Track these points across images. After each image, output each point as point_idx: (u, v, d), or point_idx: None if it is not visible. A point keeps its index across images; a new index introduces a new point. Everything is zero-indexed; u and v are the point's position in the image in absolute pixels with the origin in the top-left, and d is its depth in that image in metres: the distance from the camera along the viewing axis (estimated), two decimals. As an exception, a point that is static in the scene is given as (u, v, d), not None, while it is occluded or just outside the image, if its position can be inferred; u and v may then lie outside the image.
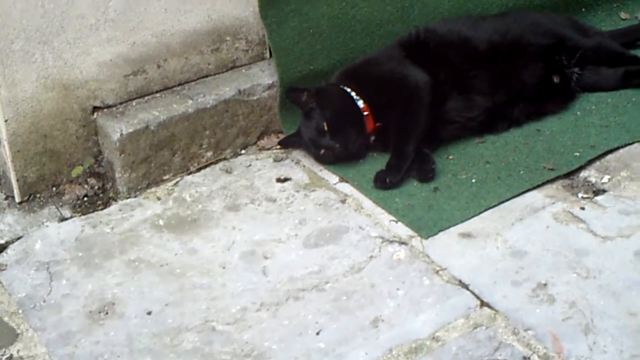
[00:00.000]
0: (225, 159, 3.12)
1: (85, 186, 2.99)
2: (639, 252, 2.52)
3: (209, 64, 3.17)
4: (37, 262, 2.68)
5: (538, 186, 2.82)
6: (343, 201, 2.86)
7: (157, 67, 3.06)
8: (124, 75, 3.01)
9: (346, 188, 2.93)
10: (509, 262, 2.53)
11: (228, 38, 3.17)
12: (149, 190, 2.98)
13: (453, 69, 3.09)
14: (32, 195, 2.96)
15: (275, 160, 3.09)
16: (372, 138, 3.04)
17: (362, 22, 3.28)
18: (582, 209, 2.71)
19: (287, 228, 2.75)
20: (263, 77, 3.18)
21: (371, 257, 2.61)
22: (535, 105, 3.13)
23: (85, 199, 2.97)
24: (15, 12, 2.74)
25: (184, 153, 3.05)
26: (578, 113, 3.15)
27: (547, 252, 2.55)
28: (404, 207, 2.79)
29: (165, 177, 3.03)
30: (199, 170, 3.07)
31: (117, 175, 2.96)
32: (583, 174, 2.87)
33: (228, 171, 3.05)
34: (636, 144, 2.97)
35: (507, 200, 2.77)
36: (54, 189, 2.99)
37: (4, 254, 2.73)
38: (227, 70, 3.21)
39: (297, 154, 3.11)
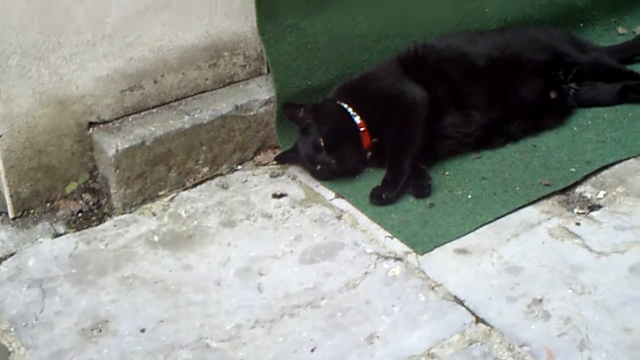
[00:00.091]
0: (221, 174, 3.11)
1: (80, 202, 2.98)
2: (634, 268, 2.51)
3: (206, 80, 3.17)
4: (30, 279, 2.66)
5: (534, 202, 2.82)
6: (339, 217, 2.85)
7: (153, 82, 3.06)
8: (121, 91, 3.00)
9: (342, 204, 2.92)
10: (505, 278, 2.52)
11: (226, 53, 3.17)
12: (144, 206, 2.97)
13: (451, 84, 3.09)
14: (25, 211, 2.95)
15: (271, 176, 3.09)
16: (369, 154, 3.04)
17: (361, 38, 3.28)
18: (578, 224, 2.71)
19: (283, 244, 2.75)
20: (260, 93, 3.18)
21: (366, 273, 2.60)
22: (532, 120, 3.13)
23: (80, 214, 2.96)
24: (12, 27, 2.74)
25: (180, 168, 3.05)
26: (574, 128, 3.16)
27: (543, 268, 2.54)
28: (400, 223, 2.78)
29: (160, 193, 3.02)
30: (195, 185, 3.06)
31: (112, 190, 2.95)
32: (579, 189, 2.87)
33: (224, 187, 3.05)
34: (632, 160, 2.97)
35: (502, 216, 2.77)
36: (48, 204, 2.97)
37: (-4, 270, 2.73)
38: (224, 86, 3.21)
39: (294, 169, 3.11)
